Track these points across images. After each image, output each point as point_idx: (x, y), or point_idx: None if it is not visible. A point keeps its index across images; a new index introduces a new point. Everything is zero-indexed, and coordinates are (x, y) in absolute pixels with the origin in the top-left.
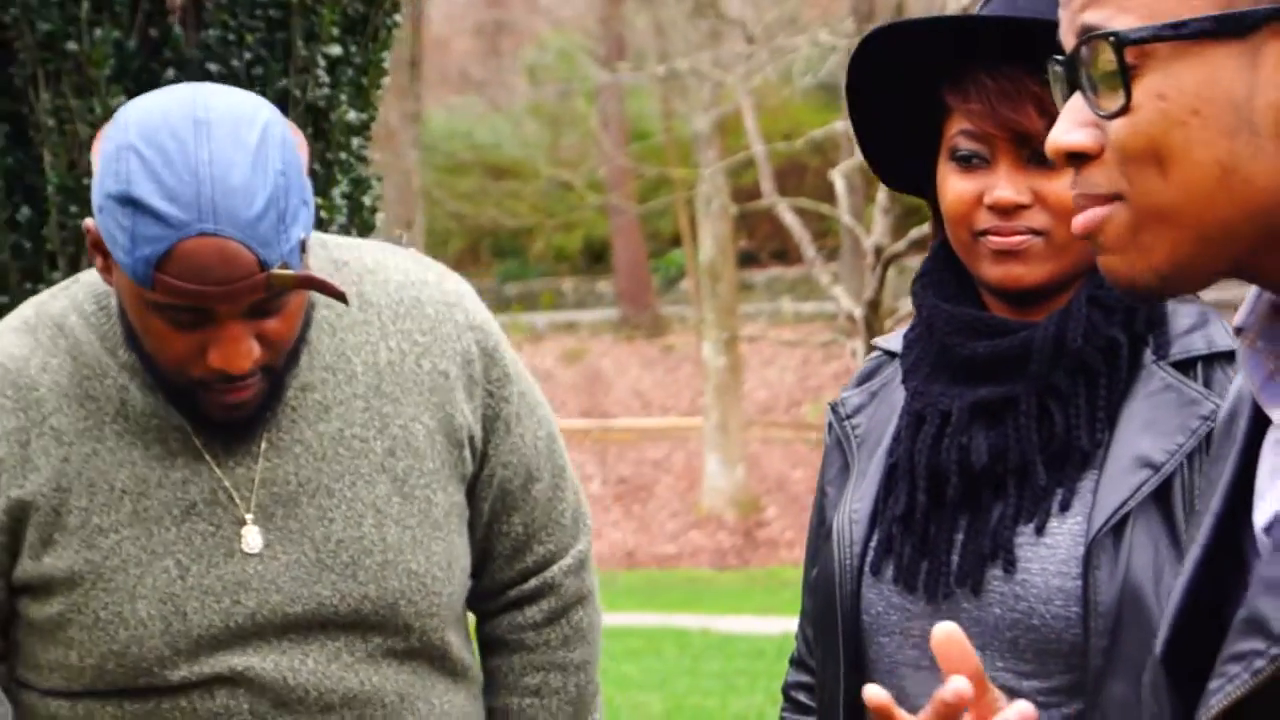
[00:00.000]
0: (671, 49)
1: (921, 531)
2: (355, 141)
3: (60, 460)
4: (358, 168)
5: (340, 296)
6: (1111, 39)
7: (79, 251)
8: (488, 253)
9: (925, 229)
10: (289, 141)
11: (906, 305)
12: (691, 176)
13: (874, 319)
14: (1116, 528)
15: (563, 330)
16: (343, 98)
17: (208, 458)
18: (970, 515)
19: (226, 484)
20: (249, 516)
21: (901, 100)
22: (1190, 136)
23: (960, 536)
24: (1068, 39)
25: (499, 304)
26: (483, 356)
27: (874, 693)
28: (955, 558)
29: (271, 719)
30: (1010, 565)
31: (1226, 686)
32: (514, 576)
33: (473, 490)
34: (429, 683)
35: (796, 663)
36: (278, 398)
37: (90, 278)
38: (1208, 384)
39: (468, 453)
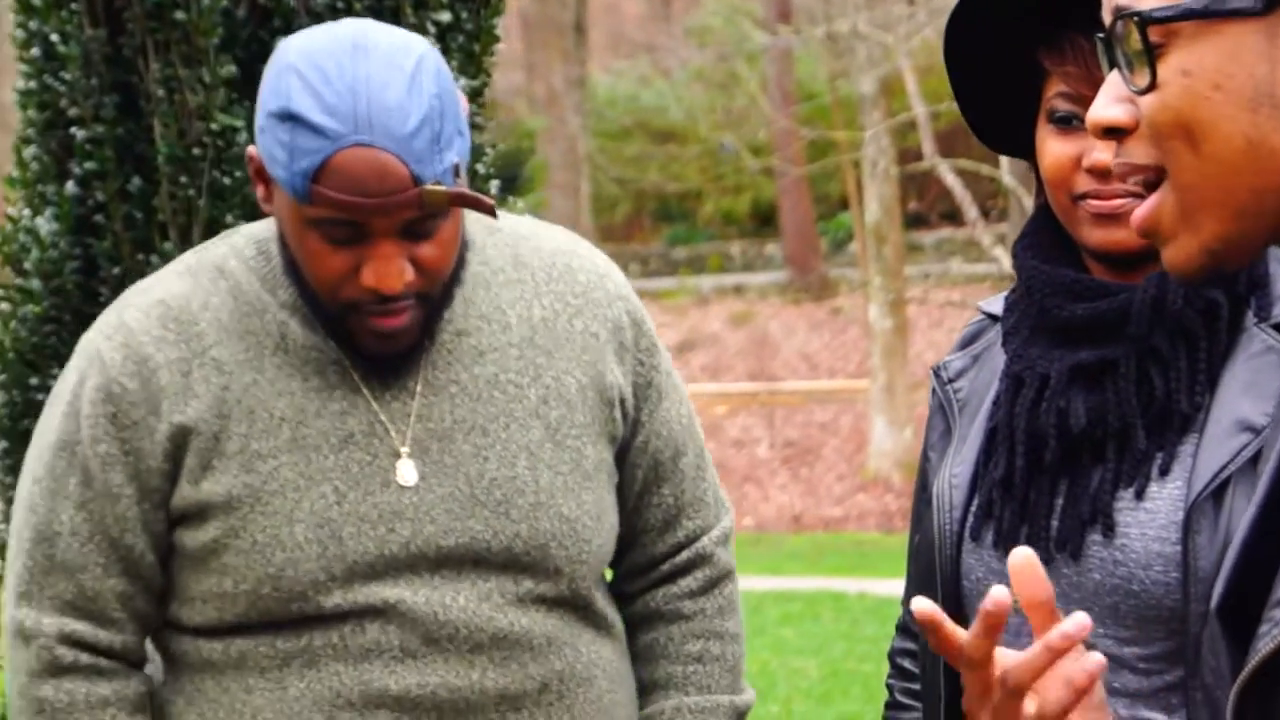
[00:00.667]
0: (835, 10)
1: (1021, 496)
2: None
3: (220, 389)
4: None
5: (491, 211)
6: (1136, 19)
7: (190, 222)
8: (651, 218)
9: None
10: (445, 73)
11: None
12: (857, 139)
13: None
14: (1216, 492)
15: (730, 293)
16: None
17: (365, 391)
18: (1069, 479)
19: (383, 417)
20: (404, 450)
21: (1000, 63)
22: (1215, 111)
23: (1059, 501)
24: (1106, 16)
25: (666, 267)
26: (632, 325)
27: (921, 604)
28: (1055, 522)
29: (421, 655)
30: (1110, 530)
31: (1273, 631)
32: (666, 550)
33: (624, 458)
34: (576, 630)
35: (902, 629)
36: (430, 335)
37: (248, 229)
38: None
39: (618, 413)
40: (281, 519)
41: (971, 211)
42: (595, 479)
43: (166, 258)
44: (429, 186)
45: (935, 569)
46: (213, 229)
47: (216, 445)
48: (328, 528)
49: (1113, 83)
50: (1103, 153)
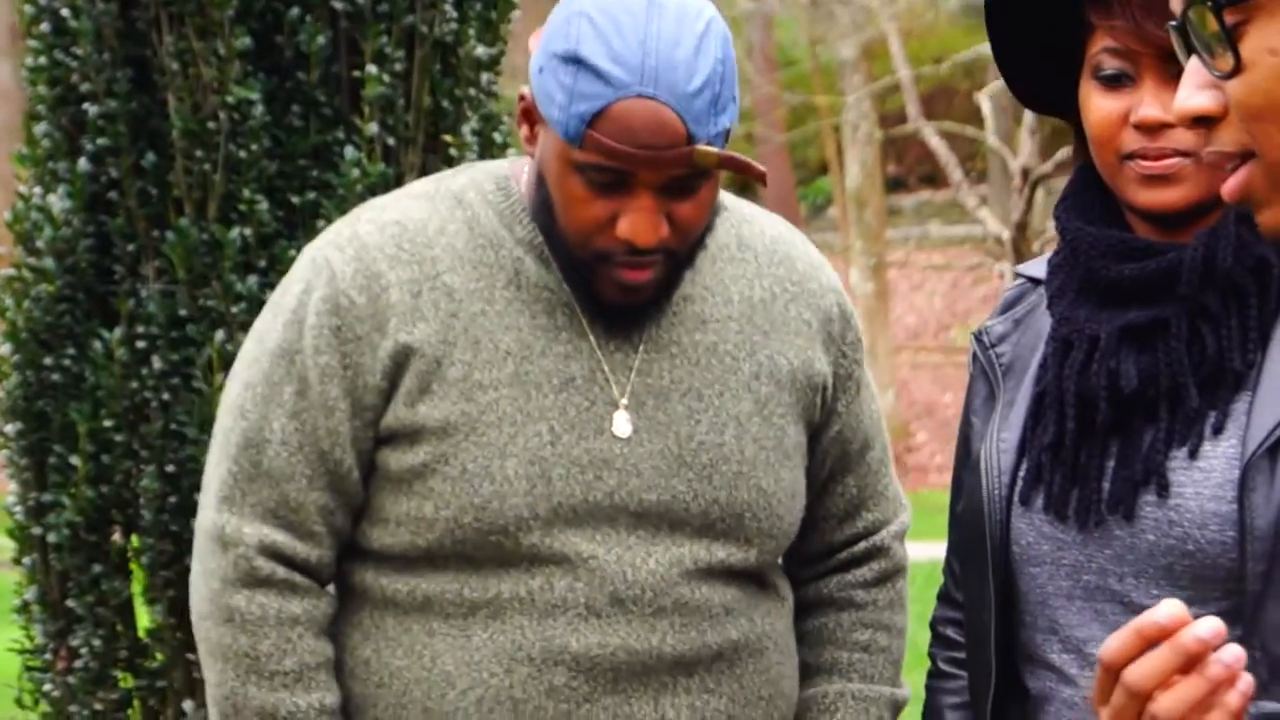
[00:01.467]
0: None
1: (1071, 459)
2: (484, 77)
3: (449, 315)
4: (487, 104)
5: (761, 177)
6: (1210, 3)
7: (205, 197)
8: None
9: (1069, 148)
10: (729, 40)
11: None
12: (837, 103)
13: (1022, 241)
14: (1272, 449)
15: None
16: (471, 33)
17: (591, 338)
18: (1121, 441)
19: (605, 366)
20: (623, 401)
21: (1041, 19)
22: None
23: (1111, 463)
24: (1175, 4)
25: None
26: (841, 319)
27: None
28: (1107, 484)
29: (605, 614)
30: (1164, 490)
31: None
32: (844, 539)
33: (816, 444)
34: (754, 601)
35: (945, 598)
36: (669, 293)
37: (486, 165)
38: None
39: (819, 399)
40: (494, 451)
41: (956, 174)
42: (793, 459)
43: (182, 234)
44: (701, 146)
45: (984, 535)
46: (229, 204)
47: (438, 370)
48: (539, 466)
49: (1194, 70)
50: (1150, 107)
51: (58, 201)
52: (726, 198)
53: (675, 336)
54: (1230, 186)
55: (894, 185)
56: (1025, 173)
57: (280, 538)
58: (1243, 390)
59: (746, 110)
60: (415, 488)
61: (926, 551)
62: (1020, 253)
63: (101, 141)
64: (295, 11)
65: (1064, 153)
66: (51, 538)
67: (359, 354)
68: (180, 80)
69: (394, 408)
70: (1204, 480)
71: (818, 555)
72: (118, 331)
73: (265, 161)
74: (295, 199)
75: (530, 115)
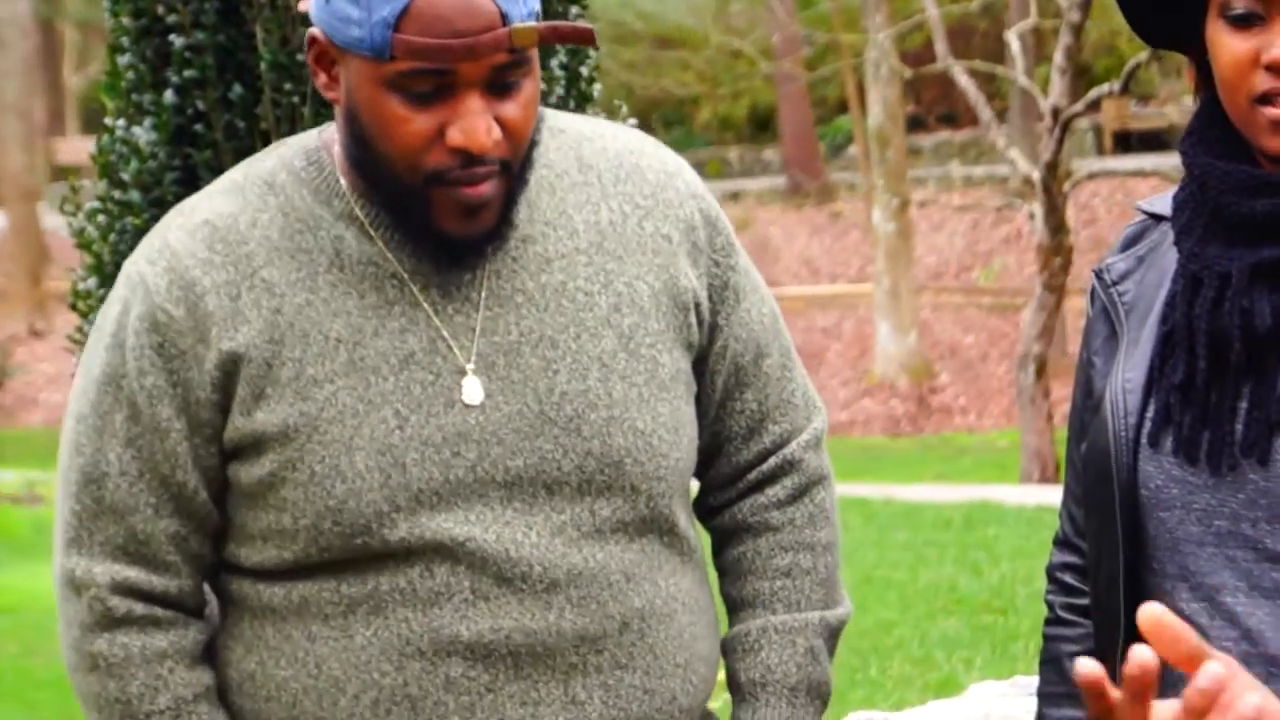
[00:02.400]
0: None
1: (1202, 400)
2: (573, 10)
3: (272, 312)
4: None
5: (590, 39)
6: None
7: (294, 130)
8: (657, 123)
9: (1102, 89)
10: None
11: (1082, 167)
12: (859, 42)
13: (1051, 181)
14: None
15: (729, 199)
16: None
17: (425, 306)
18: (1254, 381)
19: (445, 333)
20: (469, 366)
21: None
22: None
23: (1244, 404)
24: None
25: None
26: (706, 225)
27: (1087, 666)
28: (1239, 427)
29: (494, 597)
30: None
31: None
32: (752, 458)
33: (703, 365)
34: (655, 562)
35: (1062, 543)
36: (508, 217)
37: (297, 140)
38: None
39: (693, 318)
40: (340, 448)
41: (985, 113)
42: (672, 389)
43: None
44: (518, 25)
45: (1110, 477)
46: None
47: (269, 372)
48: (390, 454)
49: None
50: None
51: (143, 134)
52: (563, 117)
53: (519, 284)
54: None
55: (912, 124)
56: (1055, 112)
57: (133, 573)
58: None
59: (767, 48)
60: (270, 500)
61: (960, 493)
62: (1050, 192)
63: (188, 74)
64: None
65: (1095, 92)
66: None
67: (185, 369)
68: (268, 12)
69: (232, 419)
70: None
71: (726, 479)
72: None
73: None
74: None
75: (324, 55)
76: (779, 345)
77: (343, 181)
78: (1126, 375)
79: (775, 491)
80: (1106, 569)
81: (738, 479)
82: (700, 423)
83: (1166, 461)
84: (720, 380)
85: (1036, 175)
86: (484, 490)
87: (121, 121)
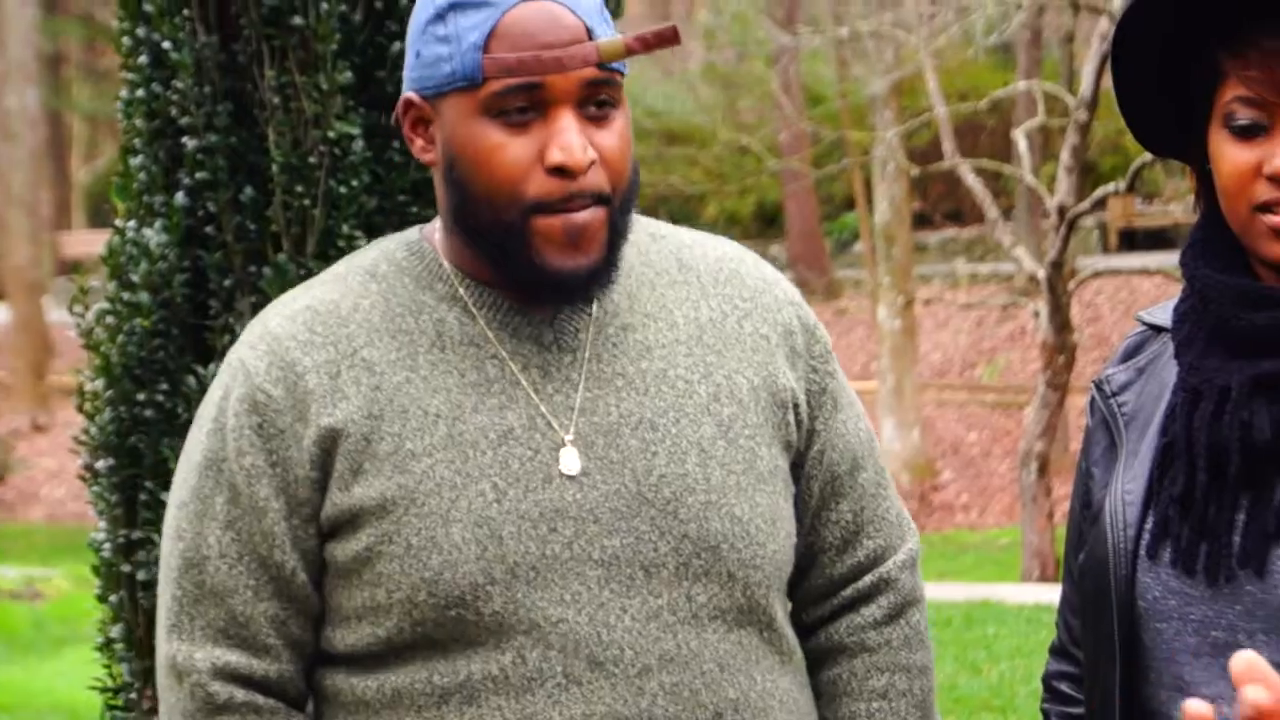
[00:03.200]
0: (842, 10)
1: (1201, 512)
2: None
3: (371, 389)
4: None
5: (675, 38)
6: None
7: (304, 233)
8: (664, 219)
9: (1109, 188)
10: None
11: (1087, 265)
12: (866, 139)
13: (1056, 279)
14: None
15: None
16: None
17: (525, 385)
18: (1253, 494)
19: (544, 410)
20: (568, 438)
21: (1170, 62)
22: None
23: (1242, 516)
24: None
25: None
26: (804, 331)
27: (1195, 707)
28: (1237, 538)
29: (586, 681)
30: None
31: None
32: (847, 572)
33: (800, 470)
34: (753, 656)
35: (1058, 651)
36: (612, 262)
37: (398, 235)
38: None
39: (792, 417)
40: (438, 520)
41: (992, 211)
42: (770, 482)
43: (279, 270)
44: (604, 40)
45: (1108, 588)
46: (328, 240)
47: (368, 447)
48: (486, 527)
49: None
50: None
51: (154, 235)
52: (663, 225)
53: (619, 368)
54: None
55: (918, 221)
56: (1062, 210)
57: (234, 658)
58: None
59: (774, 145)
60: (365, 576)
61: (961, 592)
62: (1055, 290)
63: (200, 175)
64: (397, 46)
65: (1102, 191)
66: (141, 575)
67: (285, 448)
68: (281, 115)
69: (330, 496)
70: None
71: (821, 594)
72: (212, 367)
73: (365, 197)
74: None
75: (419, 115)
76: (874, 461)
77: (445, 264)
78: (1126, 487)
79: (871, 611)
80: (1103, 679)
81: (832, 594)
82: (796, 531)
83: (1164, 573)
84: (817, 487)
85: (1042, 273)
86: (580, 569)
87: (132, 223)
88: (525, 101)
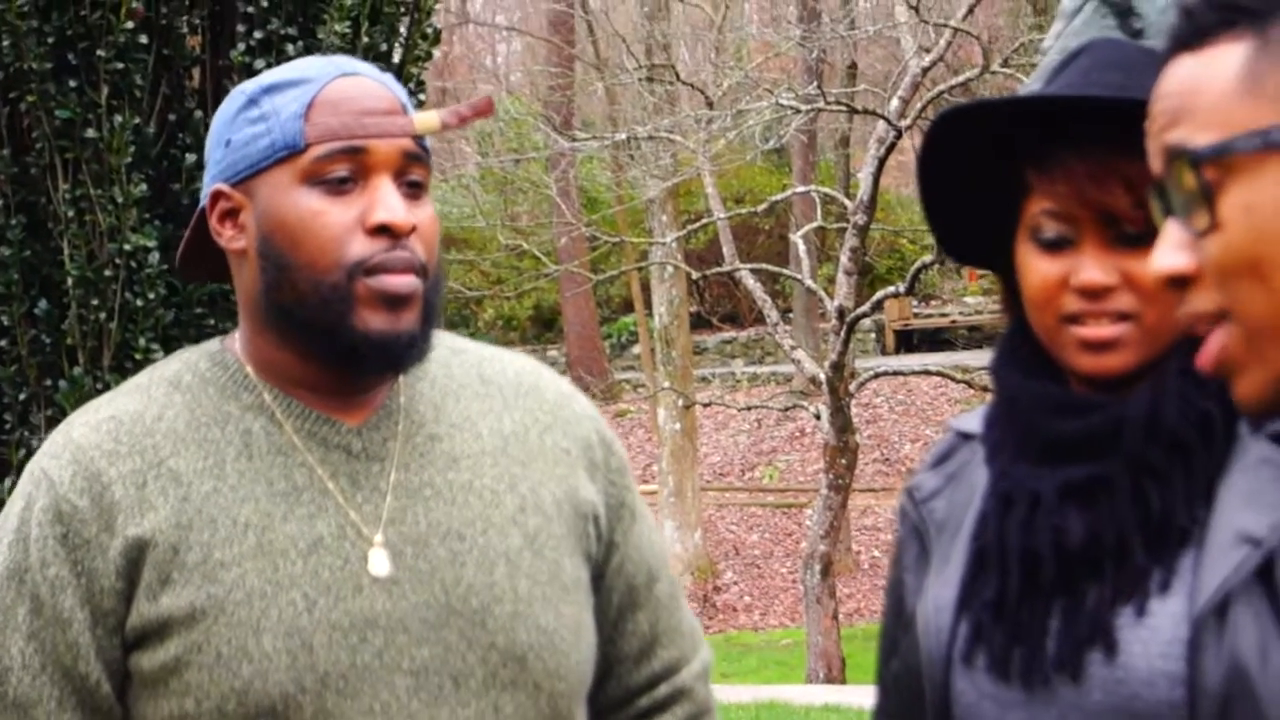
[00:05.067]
0: (621, 115)
1: (1015, 617)
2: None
3: (179, 500)
4: None
5: (489, 110)
6: (1189, 157)
7: (100, 346)
8: (443, 323)
9: (889, 290)
10: None
11: (867, 367)
12: (644, 242)
13: (838, 381)
14: (1220, 607)
15: None
16: None
17: (334, 492)
18: (1066, 599)
19: (354, 518)
20: (378, 540)
21: (976, 176)
22: None
23: (1056, 621)
24: (1155, 163)
25: None
26: (602, 445)
27: None
28: (1051, 643)
29: None
30: (1111, 649)
31: None
32: (644, 682)
33: (599, 583)
34: None
35: None
36: (425, 337)
37: (199, 347)
38: None
39: (592, 529)
40: (248, 630)
41: (772, 314)
42: (574, 593)
43: (75, 383)
44: (417, 114)
45: (923, 695)
46: (124, 353)
47: (176, 556)
48: (297, 636)
49: (1170, 231)
50: (1092, 271)
51: None
52: (460, 340)
53: (427, 478)
54: (1206, 354)
55: (696, 323)
56: (842, 313)
57: None
58: (1188, 547)
59: (552, 250)
60: (172, 686)
61: (746, 694)
62: (835, 391)
63: None
64: (191, 158)
65: (883, 293)
66: None
67: (90, 559)
68: (75, 227)
69: (137, 606)
70: (1152, 639)
71: (618, 703)
72: (8, 482)
73: (161, 310)
74: None
75: (228, 207)
76: (667, 574)
77: (250, 373)
78: (938, 593)
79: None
80: None
81: (629, 703)
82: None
83: (979, 679)
84: (615, 598)
85: (822, 375)
86: (390, 678)
87: None
88: (347, 169)
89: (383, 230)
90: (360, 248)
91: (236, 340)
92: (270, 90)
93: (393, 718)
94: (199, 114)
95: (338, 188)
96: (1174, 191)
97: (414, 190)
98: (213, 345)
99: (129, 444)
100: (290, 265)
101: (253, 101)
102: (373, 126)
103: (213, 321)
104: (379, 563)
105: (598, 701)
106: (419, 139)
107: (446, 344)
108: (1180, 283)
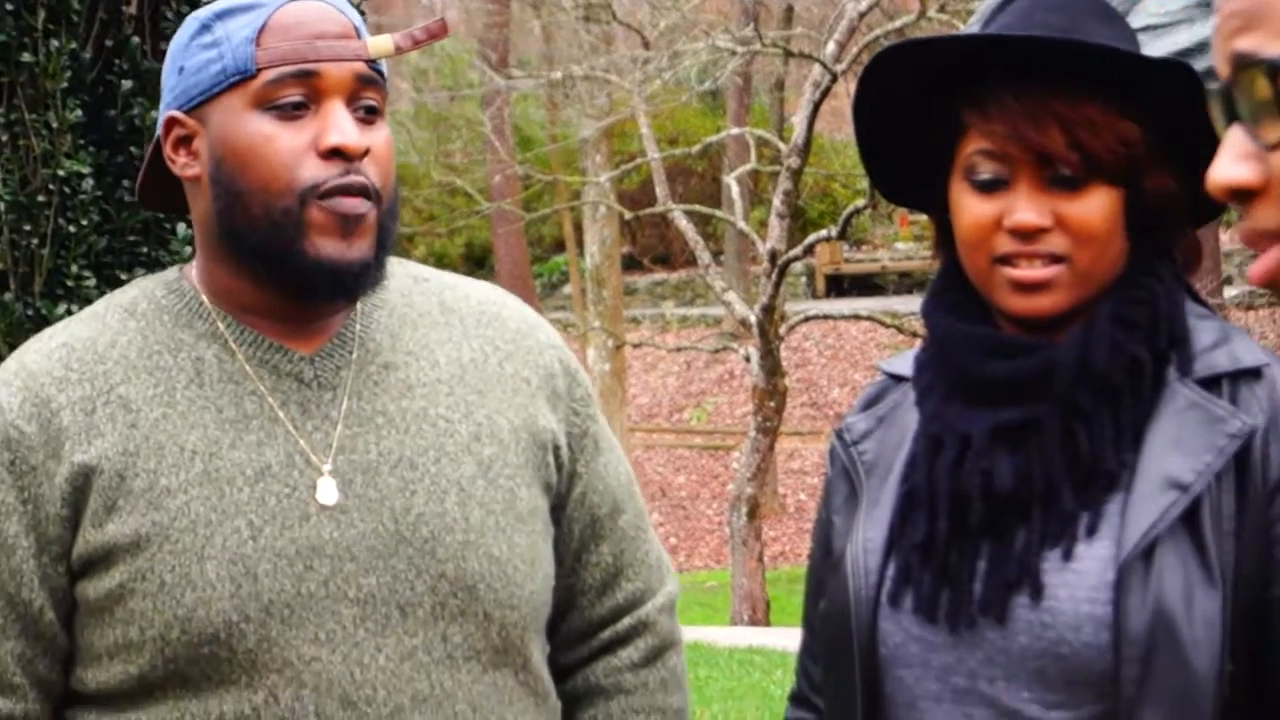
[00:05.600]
0: (557, 54)
1: (942, 560)
2: None
3: (128, 426)
4: None
5: (443, 31)
6: (1265, 65)
7: (32, 272)
8: None
9: (822, 234)
10: None
11: (797, 310)
12: (578, 182)
13: (768, 324)
14: (1146, 551)
15: None
16: None
17: (285, 421)
18: (993, 542)
19: (303, 445)
20: (326, 469)
21: (911, 116)
22: None
23: (983, 564)
24: (1221, 67)
25: None
26: (565, 374)
27: None
28: (978, 586)
29: None
30: (1037, 592)
31: None
32: (605, 615)
33: (561, 513)
34: (508, 698)
35: (798, 700)
36: (380, 264)
37: (157, 275)
38: (1234, 401)
39: (552, 459)
40: (192, 556)
41: (704, 256)
42: (529, 523)
43: (6, 309)
44: (372, 38)
45: (850, 635)
46: (56, 279)
47: (122, 483)
48: (241, 564)
49: (1234, 140)
50: (1026, 212)
51: None
52: (426, 269)
53: (380, 406)
54: (1260, 268)
55: (628, 265)
56: (774, 256)
57: None
58: (1116, 491)
59: (485, 187)
60: (117, 614)
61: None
62: (766, 334)
63: None
64: (127, 84)
65: (815, 236)
66: None
67: (36, 485)
68: (9, 152)
69: (82, 533)
70: (1078, 582)
71: (579, 636)
72: None
73: (94, 237)
74: (124, 275)
75: (181, 134)
76: (634, 505)
77: (205, 301)
78: (867, 534)
79: (629, 653)
80: None
81: (590, 636)
82: (555, 573)
83: (906, 620)
84: (577, 529)
85: (753, 318)
86: (335, 607)
87: None
88: (299, 93)
89: (335, 154)
90: (312, 171)
91: (194, 268)
92: (223, 15)
93: (337, 646)
94: (136, 40)
95: (290, 113)
96: (1243, 100)
97: (369, 115)
98: (170, 274)
99: (80, 371)
100: (242, 191)
101: (205, 27)
102: (325, 50)
103: (146, 249)
104: (327, 491)
105: (559, 633)
106: (373, 63)
107: (409, 272)
108: (1242, 195)
